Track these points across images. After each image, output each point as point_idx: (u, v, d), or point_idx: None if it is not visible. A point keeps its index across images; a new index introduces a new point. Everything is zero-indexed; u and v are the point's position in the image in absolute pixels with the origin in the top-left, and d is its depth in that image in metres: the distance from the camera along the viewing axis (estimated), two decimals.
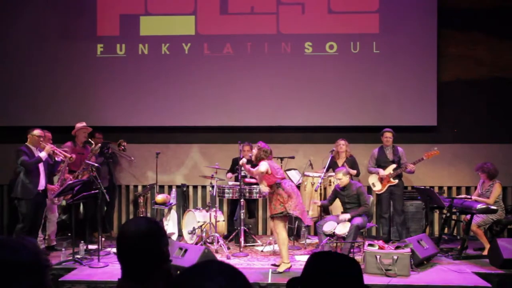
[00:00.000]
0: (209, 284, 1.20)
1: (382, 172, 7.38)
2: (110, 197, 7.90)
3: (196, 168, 8.25)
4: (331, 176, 7.42)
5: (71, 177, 6.95)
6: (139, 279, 1.77)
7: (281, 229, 5.89)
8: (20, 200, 6.22)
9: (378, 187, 7.48)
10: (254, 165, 7.58)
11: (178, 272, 1.37)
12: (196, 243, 6.88)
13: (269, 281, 5.50)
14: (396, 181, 7.36)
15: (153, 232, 1.82)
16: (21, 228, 6.19)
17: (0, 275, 1.21)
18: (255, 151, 6.09)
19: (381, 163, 7.47)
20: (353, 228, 6.28)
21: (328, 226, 6.45)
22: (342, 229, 6.38)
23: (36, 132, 6.32)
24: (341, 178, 6.61)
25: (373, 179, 7.55)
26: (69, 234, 7.22)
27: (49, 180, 6.74)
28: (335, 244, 6.42)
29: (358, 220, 6.38)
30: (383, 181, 7.42)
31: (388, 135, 7.45)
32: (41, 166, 6.32)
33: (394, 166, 7.36)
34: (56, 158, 6.64)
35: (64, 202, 7.21)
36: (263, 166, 5.85)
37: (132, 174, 8.37)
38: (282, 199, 5.81)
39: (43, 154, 6.26)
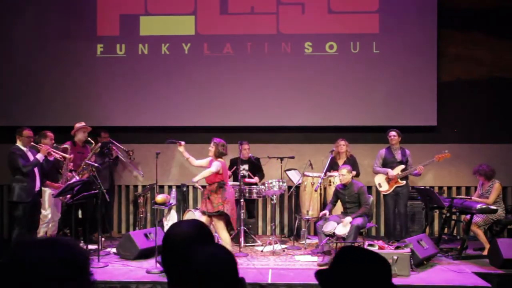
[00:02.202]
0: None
1: (391, 173, 7.30)
2: (110, 198, 7.93)
3: (196, 168, 8.22)
4: (331, 176, 7.42)
5: (75, 175, 6.89)
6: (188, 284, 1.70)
7: (222, 229, 6.05)
8: (17, 203, 6.17)
9: (384, 188, 7.43)
10: (254, 164, 7.62)
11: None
12: None
13: (269, 281, 5.50)
14: (404, 182, 7.29)
15: (208, 232, 1.79)
16: (19, 230, 6.16)
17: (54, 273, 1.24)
18: (213, 148, 6.15)
19: (388, 163, 7.40)
20: (353, 229, 6.28)
21: (328, 226, 6.45)
22: (342, 229, 6.38)
23: (26, 132, 6.26)
24: (344, 174, 6.61)
25: (379, 179, 7.48)
26: (69, 234, 7.22)
27: (50, 180, 6.73)
28: (335, 244, 6.42)
29: (358, 221, 6.38)
30: (391, 181, 7.35)
31: (391, 134, 7.38)
32: (35, 168, 6.29)
33: (402, 167, 7.30)
34: (49, 158, 6.60)
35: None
36: (215, 166, 6.01)
37: (132, 174, 8.38)
38: (222, 199, 6.01)
39: (40, 156, 6.21)
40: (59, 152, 6.58)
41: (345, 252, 1.76)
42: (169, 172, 8.35)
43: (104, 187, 7.55)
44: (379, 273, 1.68)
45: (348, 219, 6.43)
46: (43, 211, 6.56)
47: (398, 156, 7.38)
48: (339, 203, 6.88)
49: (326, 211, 6.70)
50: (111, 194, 8.04)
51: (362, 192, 6.62)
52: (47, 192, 6.61)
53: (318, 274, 1.72)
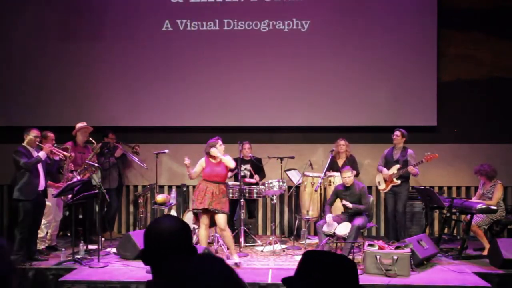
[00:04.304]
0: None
1: (385, 172, 7.34)
2: (118, 198, 7.94)
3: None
4: (331, 176, 7.42)
5: (77, 174, 6.90)
6: (172, 276, 1.77)
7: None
8: (20, 201, 6.19)
9: (382, 186, 7.46)
10: (256, 165, 7.63)
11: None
12: (196, 243, 6.88)
13: (269, 281, 5.51)
14: (399, 181, 7.28)
15: (185, 227, 1.86)
16: (21, 229, 6.18)
17: None
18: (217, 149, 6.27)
19: (387, 162, 7.43)
20: (354, 229, 6.27)
21: (328, 227, 6.45)
22: (343, 229, 6.37)
23: (33, 132, 6.29)
24: (350, 176, 6.60)
25: (379, 178, 7.53)
26: (69, 234, 7.23)
27: (51, 180, 6.72)
28: (335, 244, 6.42)
29: (359, 221, 6.37)
30: (387, 181, 7.39)
31: (394, 133, 7.38)
32: (40, 166, 6.30)
33: (398, 166, 7.31)
34: (54, 158, 6.63)
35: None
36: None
37: (141, 174, 8.40)
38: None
39: (42, 154, 6.24)
40: (61, 151, 6.59)
41: (308, 256, 1.77)
42: (169, 172, 8.35)
43: (112, 186, 7.58)
44: (343, 274, 1.69)
45: (349, 204, 6.53)
46: (45, 211, 6.57)
47: (396, 156, 7.39)
48: (338, 203, 6.87)
49: (329, 217, 6.57)
50: (120, 194, 8.06)
51: (364, 192, 6.63)
52: (49, 192, 6.62)
53: (285, 281, 1.74)
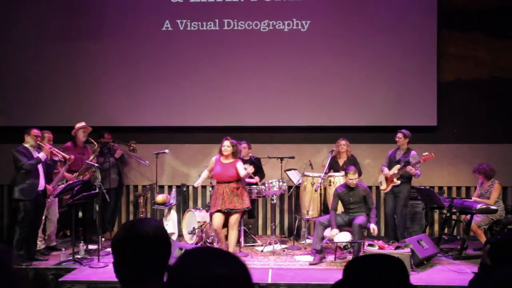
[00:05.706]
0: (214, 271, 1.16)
1: (386, 171, 7.35)
2: (118, 198, 7.94)
3: (196, 168, 8.23)
4: (331, 176, 7.41)
5: (73, 176, 6.93)
6: (145, 282, 1.65)
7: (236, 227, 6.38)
8: (20, 201, 6.20)
9: (383, 186, 7.45)
10: (255, 165, 7.62)
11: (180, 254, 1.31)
12: (196, 243, 6.89)
13: (269, 281, 5.51)
14: (399, 182, 7.27)
15: (164, 233, 1.72)
16: (21, 229, 6.18)
17: None
18: (230, 148, 6.29)
19: (390, 163, 7.43)
20: (356, 229, 6.22)
21: (330, 232, 6.37)
22: (342, 238, 6.31)
23: (34, 132, 6.29)
24: (356, 178, 6.55)
25: (381, 178, 7.53)
26: (69, 234, 7.24)
27: (48, 180, 6.72)
28: (334, 246, 6.41)
29: (359, 220, 6.33)
30: (388, 180, 7.40)
31: (397, 135, 7.37)
32: (40, 167, 6.30)
33: (398, 166, 7.30)
34: (54, 158, 6.64)
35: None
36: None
37: (140, 173, 8.40)
38: (249, 196, 6.47)
39: (42, 155, 6.24)
40: (60, 152, 6.59)
41: (356, 262, 1.73)
42: (169, 172, 8.35)
43: (112, 186, 7.58)
44: (394, 276, 1.63)
45: (374, 226, 6.36)
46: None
47: (399, 156, 7.38)
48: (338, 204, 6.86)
49: (335, 231, 6.41)
50: (120, 194, 8.06)
51: (368, 192, 6.61)
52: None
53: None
